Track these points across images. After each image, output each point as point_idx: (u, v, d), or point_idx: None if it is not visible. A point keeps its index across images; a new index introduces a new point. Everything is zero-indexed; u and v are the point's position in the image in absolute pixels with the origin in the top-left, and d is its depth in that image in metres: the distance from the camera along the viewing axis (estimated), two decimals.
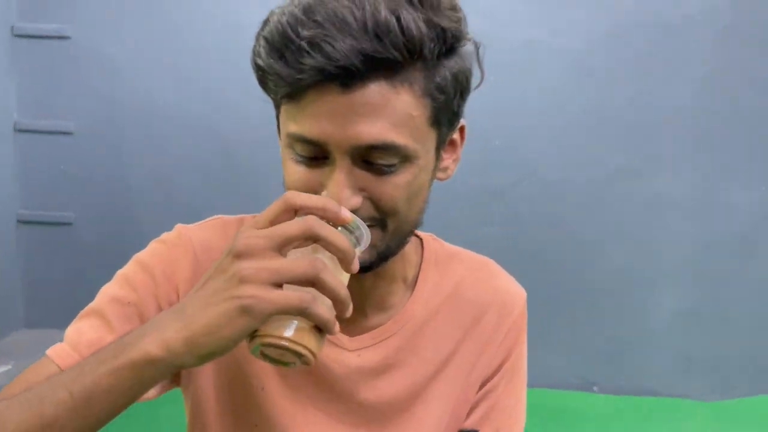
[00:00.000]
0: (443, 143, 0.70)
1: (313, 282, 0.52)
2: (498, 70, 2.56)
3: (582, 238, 3.09)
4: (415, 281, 0.80)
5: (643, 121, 3.03)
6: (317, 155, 0.64)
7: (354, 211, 0.61)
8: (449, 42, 0.63)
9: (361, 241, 0.59)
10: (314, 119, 0.61)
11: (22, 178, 3.05)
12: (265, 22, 0.63)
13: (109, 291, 0.73)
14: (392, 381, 0.77)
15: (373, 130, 0.61)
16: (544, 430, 2.73)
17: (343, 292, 0.53)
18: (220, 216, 0.80)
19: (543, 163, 3.06)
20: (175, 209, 3.06)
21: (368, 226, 0.61)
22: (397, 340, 0.77)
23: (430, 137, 0.66)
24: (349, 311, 0.55)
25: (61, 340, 0.72)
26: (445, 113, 0.67)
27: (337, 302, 0.53)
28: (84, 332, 0.70)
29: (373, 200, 0.65)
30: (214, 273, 0.53)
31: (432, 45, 0.61)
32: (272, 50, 0.60)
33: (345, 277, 0.57)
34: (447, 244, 0.85)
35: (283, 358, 0.54)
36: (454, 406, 0.79)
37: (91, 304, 0.73)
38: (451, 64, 0.64)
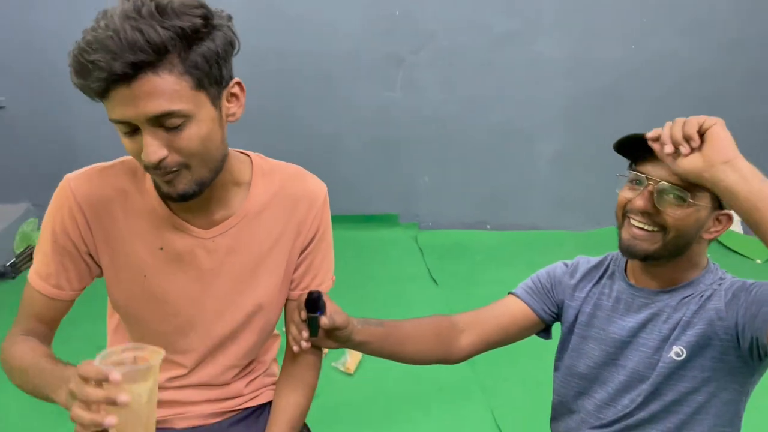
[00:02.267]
0: (219, 98, 0.93)
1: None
2: None
3: (472, 98, 3.46)
4: (249, 187, 1.07)
5: None
6: (131, 129, 0.89)
7: (161, 161, 0.89)
8: (190, 36, 0.86)
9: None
10: (117, 108, 0.86)
11: None
12: (70, 52, 0.86)
13: (41, 249, 1.05)
14: (240, 256, 1.07)
15: (154, 106, 0.85)
16: (444, 262, 3.26)
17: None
18: (96, 165, 1.05)
19: (437, 32, 3.34)
20: None
21: (175, 171, 0.91)
22: (239, 228, 1.06)
23: (201, 98, 0.89)
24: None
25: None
26: (208, 80, 0.89)
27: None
28: (41, 270, 1.05)
29: (176, 151, 0.90)
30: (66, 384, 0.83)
31: (174, 42, 0.84)
32: (75, 73, 0.85)
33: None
34: (270, 160, 1.13)
35: None
36: (285, 269, 1.11)
37: (37, 248, 1.06)
38: (201, 50, 0.87)
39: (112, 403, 0.75)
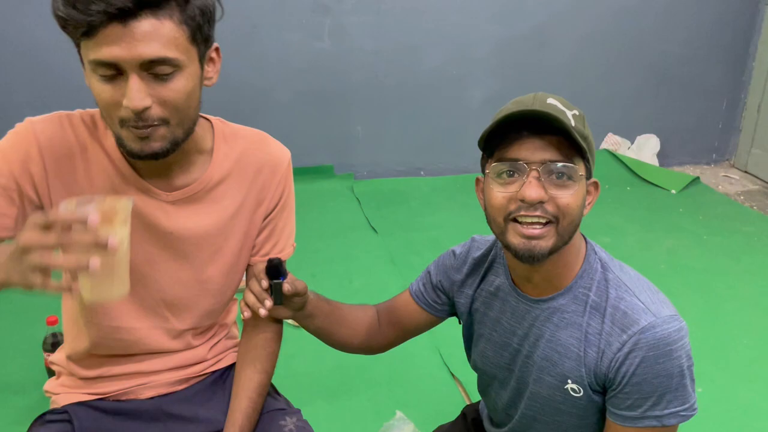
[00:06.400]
0: (204, 58, 0.94)
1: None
2: None
3: (401, 46, 3.46)
4: (212, 153, 1.06)
5: None
6: (114, 73, 0.85)
7: (145, 110, 0.86)
8: None
9: None
10: (107, 48, 0.83)
11: None
12: None
13: None
14: (202, 222, 1.06)
15: (151, 49, 0.84)
16: (382, 211, 3.31)
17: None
18: (59, 111, 1.01)
19: None
20: (42, 81, 3.06)
21: (155, 125, 0.88)
22: (202, 194, 1.05)
23: (192, 52, 0.90)
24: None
25: None
26: (200, 35, 0.91)
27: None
28: None
29: (160, 103, 0.88)
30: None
31: None
32: (66, 3, 0.81)
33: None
34: (231, 124, 1.10)
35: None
36: (246, 235, 1.11)
37: None
38: (198, 3, 0.89)
39: (100, 245, 0.76)
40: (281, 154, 1.13)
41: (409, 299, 1.22)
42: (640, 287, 0.97)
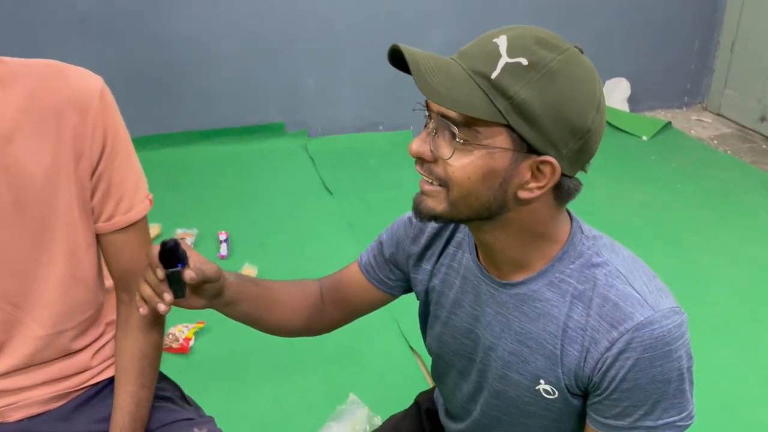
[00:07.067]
0: None
1: None
2: None
3: None
4: None
5: None
6: None
7: None
8: None
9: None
10: None
11: None
12: None
13: None
14: (4, 200, 0.83)
15: None
16: (338, 171, 3.10)
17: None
18: None
19: None
20: None
21: None
22: None
23: None
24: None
25: None
26: None
27: None
28: None
29: None
30: None
31: None
32: None
33: None
34: (6, 59, 0.84)
35: None
36: (78, 200, 0.88)
37: None
38: None
39: None
40: (88, 84, 0.86)
41: (358, 273, 1.05)
42: (635, 273, 0.81)
